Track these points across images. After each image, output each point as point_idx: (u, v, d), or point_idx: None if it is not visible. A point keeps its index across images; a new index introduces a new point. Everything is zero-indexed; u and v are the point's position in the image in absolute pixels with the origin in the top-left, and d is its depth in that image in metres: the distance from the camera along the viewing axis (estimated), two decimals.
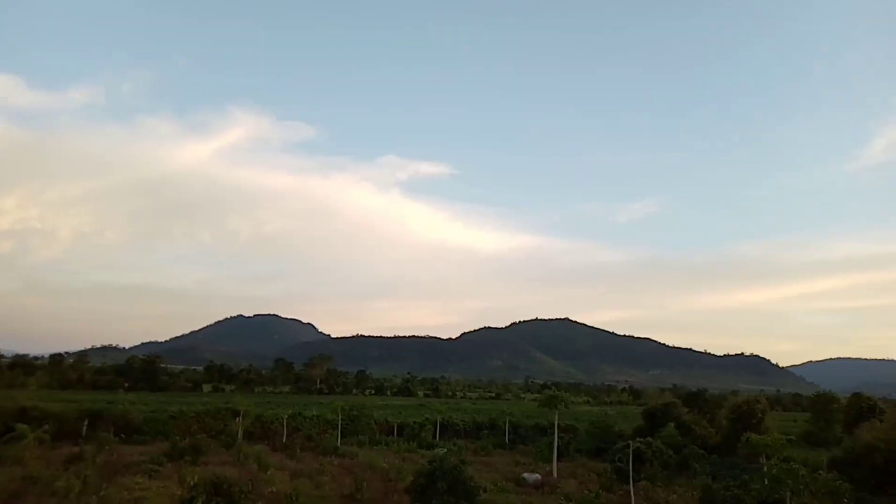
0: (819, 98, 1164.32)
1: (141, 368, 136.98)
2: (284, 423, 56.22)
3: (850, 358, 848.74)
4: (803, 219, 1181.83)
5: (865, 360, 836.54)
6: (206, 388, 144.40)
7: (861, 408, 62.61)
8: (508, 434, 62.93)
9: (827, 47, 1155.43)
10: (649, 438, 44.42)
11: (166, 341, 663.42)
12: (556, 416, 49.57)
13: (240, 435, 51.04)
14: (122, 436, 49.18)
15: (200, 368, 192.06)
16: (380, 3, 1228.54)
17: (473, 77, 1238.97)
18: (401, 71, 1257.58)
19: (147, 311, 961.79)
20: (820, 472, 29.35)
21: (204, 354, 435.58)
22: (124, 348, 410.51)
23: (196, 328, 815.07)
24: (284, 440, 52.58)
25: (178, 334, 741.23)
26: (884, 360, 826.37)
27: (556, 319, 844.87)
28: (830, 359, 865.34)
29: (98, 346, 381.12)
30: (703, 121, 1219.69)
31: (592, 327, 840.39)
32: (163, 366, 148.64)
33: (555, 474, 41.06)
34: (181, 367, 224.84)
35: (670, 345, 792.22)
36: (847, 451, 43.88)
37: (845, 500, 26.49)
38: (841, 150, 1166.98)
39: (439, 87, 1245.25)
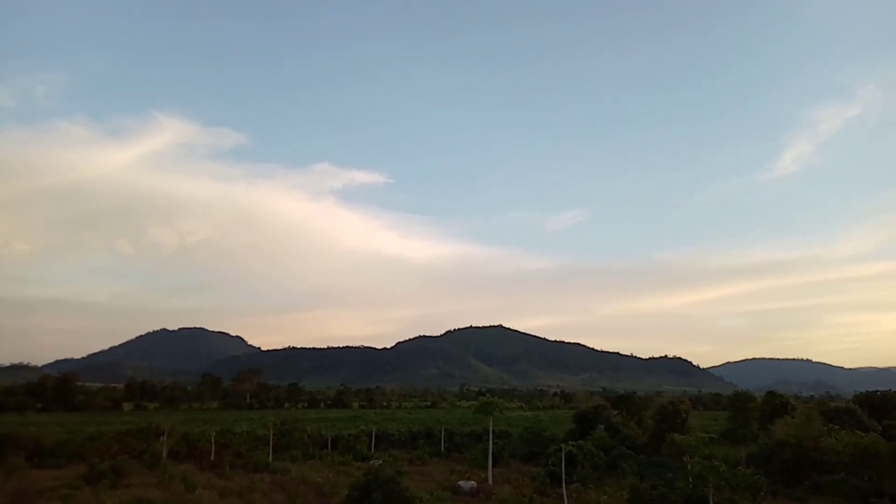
0: (735, 112, 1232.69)
1: (55, 387, 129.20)
2: (212, 441, 54.23)
3: (764, 358, 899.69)
4: (719, 227, 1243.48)
5: (778, 359, 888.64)
6: (128, 406, 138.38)
7: (775, 405, 66.43)
8: (444, 442, 63.04)
9: (741, 62, 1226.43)
10: (580, 441, 45.55)
11: (83, 358, 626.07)
12: (491, 423, 50.04)
13: (164, 455, 48.93)
14: (35, 460, 46.18)
15: (121, 386, 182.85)
16: (312, 11, 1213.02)
17: (407, 85, 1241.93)
18: (336, 79, 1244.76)
19: (61, 326, 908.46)
20: (739, 467, 30.91)
21: (125, 371, 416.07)
22: (36, 366, 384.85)
23: (116, 343, 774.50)
24: (213, 458, 50.72)
25: (96, 350, 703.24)
26: (795, 359, 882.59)
27: (490, 326, 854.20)
28: (747, 359, 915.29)
29: (7, 364, 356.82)
30: (627, 132, 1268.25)
31: (525, 333, 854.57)
32: (79, 384, 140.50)
33: (490, 481, 41.39)
34: (100, 384, 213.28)
35: (599, 349, 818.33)
36: (762, 446, 46.48)
37: (762, 493, 27.99)
38: (754, 163, 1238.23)
39: (375, 95, 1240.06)
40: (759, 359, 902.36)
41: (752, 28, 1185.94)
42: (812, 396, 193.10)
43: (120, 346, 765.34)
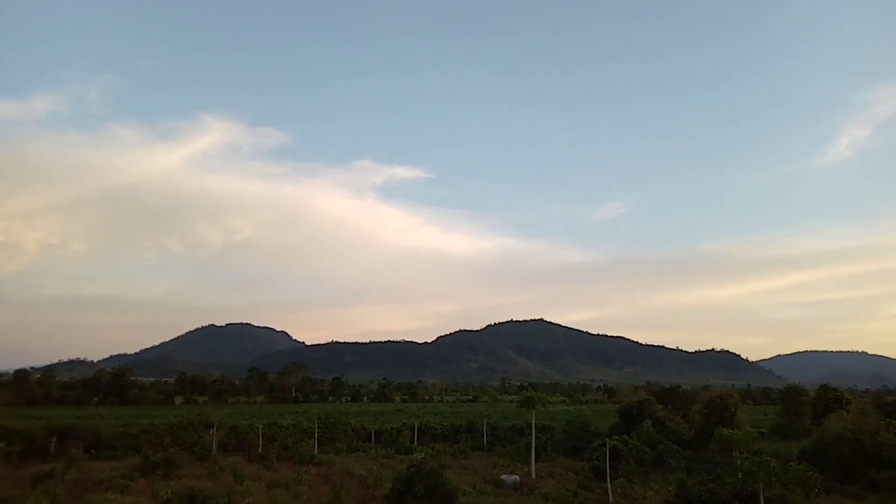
0: (785, 96, 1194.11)
1: (110, 382, 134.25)
2: (260, 433, 55.38)
3: (816, 351, 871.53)
4: (769, 216, 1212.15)
5: (832, 352, 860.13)
6: (179, 400, 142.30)
7: (828, 399, 64.09)
8: (486, 436, 62.91)
9: (792, 45, 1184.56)
10: (625, 436, 44.87)
11: (136, 353, 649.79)
12: (534, 417, 49.76)
13: (214, 447, 50.19)
14: (93, 451, 47.83)
15: (172, 380, 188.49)
16: (351, 10, 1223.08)
17: (447, 81, 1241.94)
18: (375, 76, 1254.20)
19: (115, 322, 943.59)
20: (791, 463, 30.00)
21: (175, 366, 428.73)
22: (92, 362, 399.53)
23: (166, 339, 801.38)
24: (260, 450, 51.81)
25: (148, 346, 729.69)
26: (849, 351, 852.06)
27: (531, 320, 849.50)
28: (798, 352, 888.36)
29: (65, 360, 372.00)
30: (671, 123, 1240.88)
31: (566, 327, 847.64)
32: (133, 378, 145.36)
33: (533, 475, 41.20)
34: (152, 379, 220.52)
35: (643, 342, 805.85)
36: (816, 441, 44.91)
37: (815, 490, 27.10)
38: (807, 148, 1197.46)
39: (414, 92, 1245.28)
40: (811, 351, 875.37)
41: (805, 10, 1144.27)
42: (868, 390, 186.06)
43: (170, 341, 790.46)
